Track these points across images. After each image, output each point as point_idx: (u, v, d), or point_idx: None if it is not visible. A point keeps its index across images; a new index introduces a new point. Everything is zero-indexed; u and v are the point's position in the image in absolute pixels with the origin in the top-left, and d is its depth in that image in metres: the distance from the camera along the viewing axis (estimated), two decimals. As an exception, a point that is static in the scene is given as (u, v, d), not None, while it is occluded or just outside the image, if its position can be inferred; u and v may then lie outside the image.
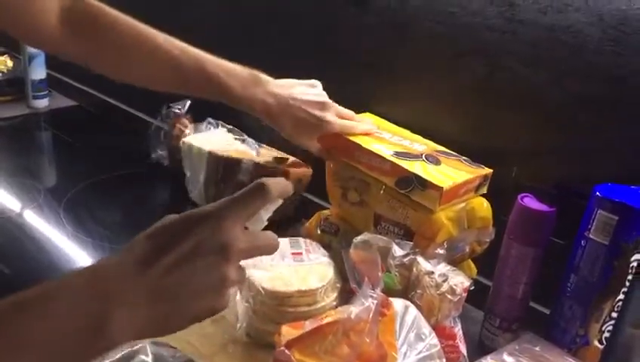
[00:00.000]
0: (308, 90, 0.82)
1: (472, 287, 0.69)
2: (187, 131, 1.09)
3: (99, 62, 0.81)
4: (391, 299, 0.63)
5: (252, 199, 0.44)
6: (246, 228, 0.44)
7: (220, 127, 1.11)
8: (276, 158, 0.98)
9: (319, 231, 0.88)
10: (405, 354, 0.56)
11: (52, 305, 0.38)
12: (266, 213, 0.46)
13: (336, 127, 0.81)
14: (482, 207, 0.78)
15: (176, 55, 0.78)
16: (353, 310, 0.55)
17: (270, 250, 0.46)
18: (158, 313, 0.39)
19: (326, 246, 0.82)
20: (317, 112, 0.80)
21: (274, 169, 0.95)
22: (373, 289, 0.56)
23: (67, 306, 0.38)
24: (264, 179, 0.44)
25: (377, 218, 0.79)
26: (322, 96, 0.83)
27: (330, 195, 0.88)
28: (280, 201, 0.47)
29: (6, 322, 0.36)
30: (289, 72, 0.85)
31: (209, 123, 1.11)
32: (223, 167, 0.97)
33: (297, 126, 0.81)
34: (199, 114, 1.14)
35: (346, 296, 0.74)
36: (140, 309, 0.38)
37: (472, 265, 0.83)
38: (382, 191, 0.78)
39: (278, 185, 0.45)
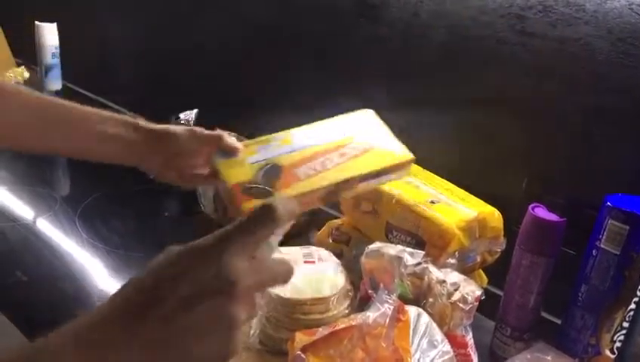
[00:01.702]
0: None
1: (483, 297, 0.69)
2: (197, 142, 1.10)
3: None
4: (403, 306, 0.63)
5: (259, 225, 0.38)
6: (254, 257, 0.39)
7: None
8: None
9: (331, 241, 0.89)
10: (418, 360, 0.57)
11: None
12: (275, 238, 0.41)
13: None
14: (493, 217, 0.79)
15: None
16: (370, 315, 0.56)
17: (282, 279, 0.40)
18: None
19: (338, 255, 0.83)
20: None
21: None
22: (390, 295, 0.57)
23: None
24: (272, 202, 0.39)
25: (389, 227, 0.80)
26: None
27: (342, 204, 0.89)
28: (289, 224, 0.41)
29: None
30: (300, 84, 0.86)
31: (219, 134, 1.12)
32: None
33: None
34: (207, 124, 1.15)
35: (358, 304, 0.75)
36: None
37: (483, 275, 0.84)
38: (394, 201, 0.79)
39: (287, 206, 0.39)
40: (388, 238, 0.80)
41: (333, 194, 0.71)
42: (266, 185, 0.68)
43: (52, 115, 0.72)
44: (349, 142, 0.73)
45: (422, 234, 0.77)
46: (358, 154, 0.72)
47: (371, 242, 0.75)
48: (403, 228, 0.79)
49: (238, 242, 0.37)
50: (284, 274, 0.40)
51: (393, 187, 0.81)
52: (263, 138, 0.75)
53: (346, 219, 0.90)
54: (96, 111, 0.73)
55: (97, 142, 0.72)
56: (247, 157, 0.72)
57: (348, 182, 0.70)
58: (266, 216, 0.38)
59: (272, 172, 0.70)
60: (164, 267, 0.37)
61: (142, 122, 0.74)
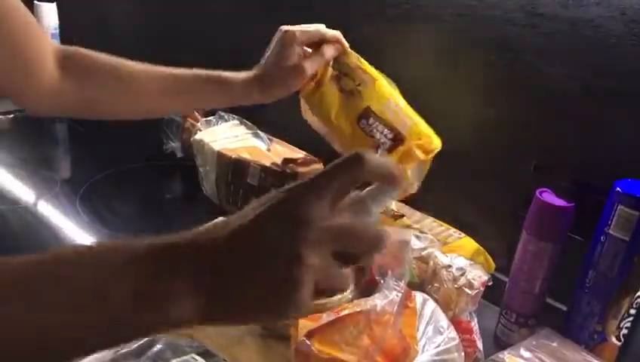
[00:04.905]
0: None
1: (490, 282, 0.69)
2: (198, 125, 1.09)
3: (107, 104, 0.77)
4: (409, 292, 0.62)
5: (343, 169, 0.36)
6: (344, 211, 0.37)
7: (231, 120, 1.10)
8: (285, 160, 0.98)
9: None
10: (424, 347, 0.56)
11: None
12: (375, 205, 0.37)
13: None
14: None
15: (172, 73, 0.77)
16: (378, 302, 0.55)
17: (369, 244, 0.36)
18: (218, 288, 0.34)
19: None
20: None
21: (282, 171, 0.95)
22: (397, 282, 0.56)
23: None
24: (364, 153, 0.36)
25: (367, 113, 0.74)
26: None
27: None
28: (395, 197, 0.39)
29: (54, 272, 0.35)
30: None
31: (220, 116, 1.11)
32: (232, 170, 0.98)
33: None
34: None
35: (362, 289, 0.74)
36: (204, 278, 0.34)
37: (490, 260, 0.83)
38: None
39: (381, 165, 0.36)
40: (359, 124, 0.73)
41: None
42: None
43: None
44: None
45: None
46: None
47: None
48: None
49: (319, 182, 0.35)
50: (373, 239, 0.35)
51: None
52: None
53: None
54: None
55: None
56: None
57: None
58: (351, 163, 0.36)
59: None
60: (252, 204, 0.36)
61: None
